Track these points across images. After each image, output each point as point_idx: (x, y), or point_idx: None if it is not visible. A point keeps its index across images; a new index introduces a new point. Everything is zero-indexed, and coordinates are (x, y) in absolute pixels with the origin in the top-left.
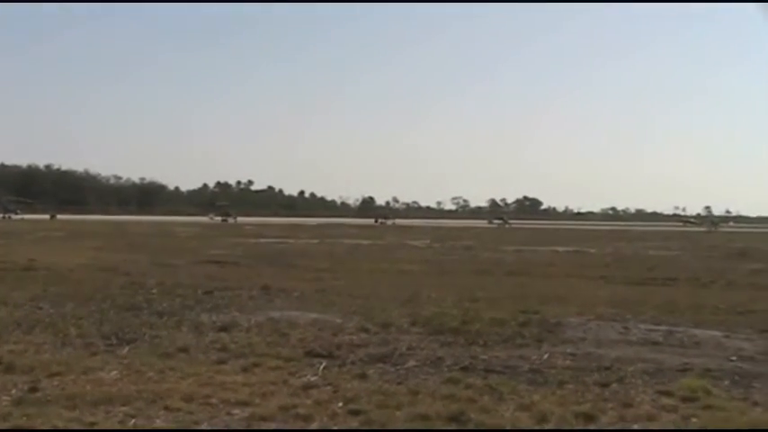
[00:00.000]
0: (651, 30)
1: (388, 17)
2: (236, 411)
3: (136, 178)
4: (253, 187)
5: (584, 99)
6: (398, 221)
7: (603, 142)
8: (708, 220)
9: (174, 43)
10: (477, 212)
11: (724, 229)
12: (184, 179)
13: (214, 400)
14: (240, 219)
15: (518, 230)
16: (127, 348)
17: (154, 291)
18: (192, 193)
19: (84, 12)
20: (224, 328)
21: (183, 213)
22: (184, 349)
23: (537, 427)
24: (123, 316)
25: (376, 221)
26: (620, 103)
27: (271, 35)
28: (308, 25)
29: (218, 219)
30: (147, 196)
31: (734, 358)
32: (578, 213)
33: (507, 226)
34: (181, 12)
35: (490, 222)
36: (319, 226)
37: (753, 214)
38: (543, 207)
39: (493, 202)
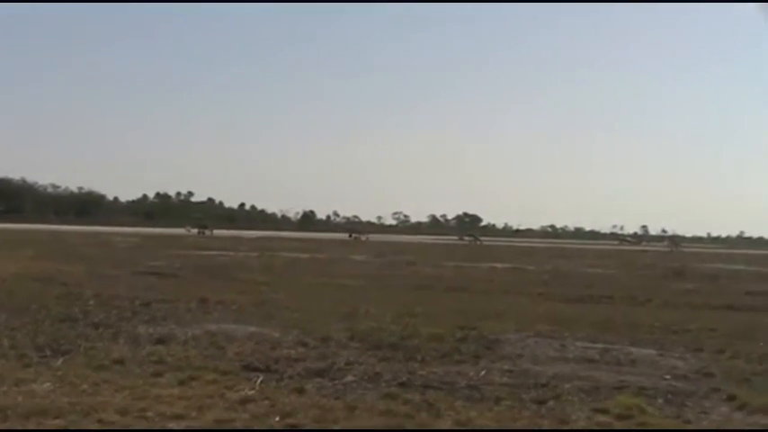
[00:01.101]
0: (590, 48)
1: (325, 30)
2: (171, 425)
3: (74, 187)
4: (193, 199)
5: (523, 116)
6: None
7: (543, 160)
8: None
9: (110, 51)
10: (418, 227)
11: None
12: (123, 189)
13: (149, 414)
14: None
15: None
16: (61, 360)
17: (90, 302)
18: (131, 203)
19: (23, 14)
20: (161, 341)
21: (123, 224)
22: (120, 361)
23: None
24: (58, 327)
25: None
26: (559, 121)
27: (209, 48)
28: (246, 37)
29: (195, 231)
30: (86, 206)
31: (668, 377)
32: (518, 230)
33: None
34: (120, 19)
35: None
36: (260, 239)
37: (688, 234)
38: (483, 224)
39: (433, 218)
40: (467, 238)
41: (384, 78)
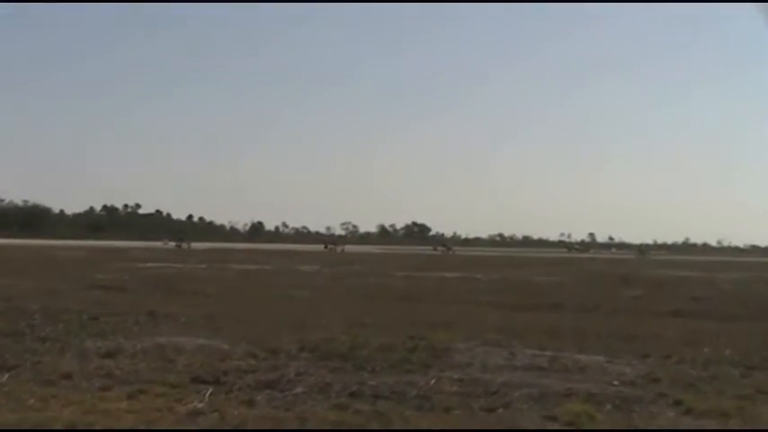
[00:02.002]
0: (527, 50)
1: (280, 39)
2: None
3: (19, 200)
4: (140, 211)
5: (469, 125)
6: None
7: (488, 169)
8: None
9: (52, 63)
10: (367, 238)
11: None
12: (70, 202)
13: (98, 428)
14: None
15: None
16: (6, 375)
17: (37, 316)
18: (77, 216)
19: None
20: (109, 354)
21: (70, 237)
22: (68, 376)
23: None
24: (3, 342)
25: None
26: (501, 129)
27: (154, 62)
28: (193, 51)
29: (173, 244)
30: (31, 219)
31: (616, 383)
32: (466, 239)
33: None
34: (64, 33)
35: (435, 249)
36: (212, 250)
37: (636, 241)
38: (432, 233)
39: (382, 228)
40: (440, 248)
41: (329, 88)
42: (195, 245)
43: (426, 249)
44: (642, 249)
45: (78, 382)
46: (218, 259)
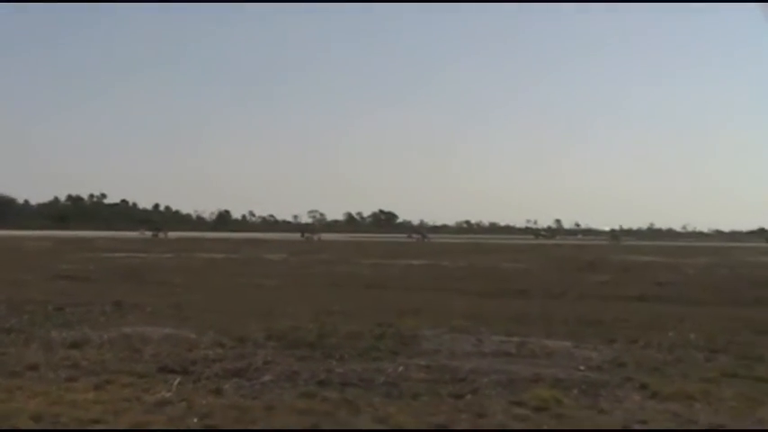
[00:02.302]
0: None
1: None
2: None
3: None
4: (106, 201)
5: (434, 111)
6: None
7: (454, 156)
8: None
9: (15, 53)
10: (333, 226)
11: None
12: (34, 192)
13: (65, 419)
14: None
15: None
16: None
17: (1, 307)
18: (42, 206)
19: None
20: (75, 345)
21: (33, 228)
22: (33, 367)
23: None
24: None
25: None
26: (467, 115)
27: (118, 51)
28: (157, 40)
29: (149, 233)
30: None
31: (582, 368)
32: (434, 226)
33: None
34: (36, 23)
35: (409, 237)
36: (186, 239)
37: (601, 227)
38: (399, 221)
39: (349, 216)
40: (415, 235)
41: (294, 76)
42: (172, 234)
43: (399, 237)
44: (615, 235)
45: (44, 372)
46: (189, 248)
